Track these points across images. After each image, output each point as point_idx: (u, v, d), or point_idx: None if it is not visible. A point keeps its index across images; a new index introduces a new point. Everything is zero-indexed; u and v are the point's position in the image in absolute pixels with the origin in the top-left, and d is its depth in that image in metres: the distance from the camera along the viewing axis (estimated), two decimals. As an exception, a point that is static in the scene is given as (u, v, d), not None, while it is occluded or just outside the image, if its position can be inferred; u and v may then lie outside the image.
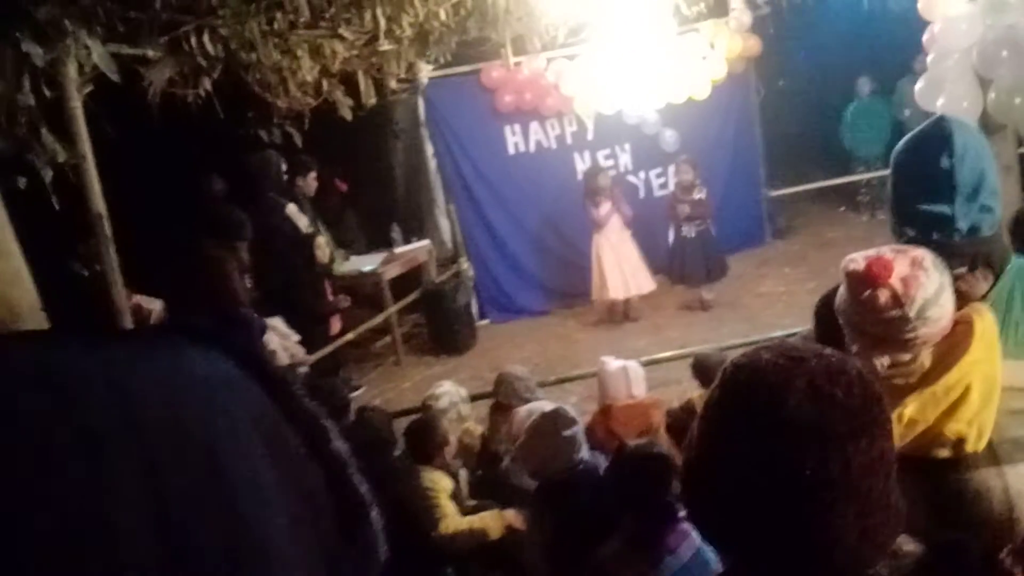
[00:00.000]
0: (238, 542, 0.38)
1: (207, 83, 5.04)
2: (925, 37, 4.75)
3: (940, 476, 1.71)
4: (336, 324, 6.70)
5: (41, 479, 0.34)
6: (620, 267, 7.29)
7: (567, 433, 2.95)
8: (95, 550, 0.34)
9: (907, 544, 1.04)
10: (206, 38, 4.68)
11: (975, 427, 1.65)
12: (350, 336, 6.82)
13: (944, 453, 1.68)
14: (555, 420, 3.01)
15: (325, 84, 6.75)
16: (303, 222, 6.52)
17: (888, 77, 9.69)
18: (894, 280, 1.58)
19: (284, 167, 6.58)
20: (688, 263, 7.32)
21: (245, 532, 0.38)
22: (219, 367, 0.43)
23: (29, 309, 2.87)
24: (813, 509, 0.93)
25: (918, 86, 4.84)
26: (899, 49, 9.15)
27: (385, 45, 6.79)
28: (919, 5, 4.62)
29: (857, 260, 1.64)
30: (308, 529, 0.42)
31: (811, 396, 0.95)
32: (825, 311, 1.95)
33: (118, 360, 0.40)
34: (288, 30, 5.46)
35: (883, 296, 1.59)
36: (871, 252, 1.65)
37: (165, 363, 0.41)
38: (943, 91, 4.55)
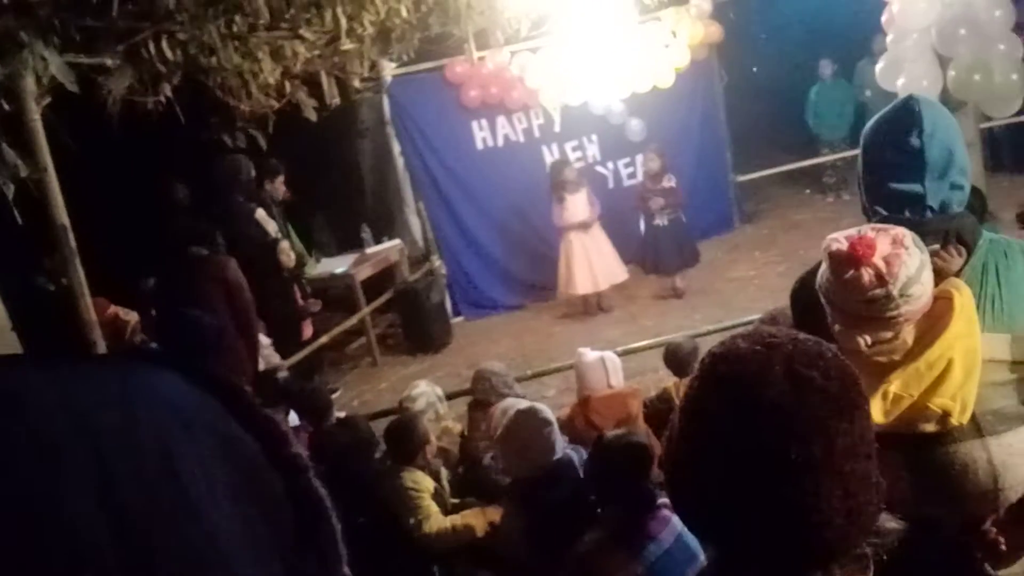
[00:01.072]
0: (194, 545, 0.38)
1: (167, 89, 4.95)
2: (884, 17, 4.81)
3: (926, 450, 1.74)
4: (308, 328, 6.64)
5: None
6: (588, 261, 7.29)
7: (542, 432, 2.95)
8: (54, 552, 0.34)
9: (889, 522, 1.05)
10: (164, 44, 4.59)
11: (959, 400, 1.67)
12: (324, 339, 6.77)
13: (930, 427, 1.71)
14: (529, 419, 3.00)
15: (288, 86, 6.67)
16: (272, 227, 6.44)
17: (848, 59, 9.80)
18: (877, 259, 1.60)
19: (252, 172, 6.50)
20: (661, 252, 7.35)
21: (200, 535, 0.39)
22: (174, 381, 0.44)
23: (-1, 329, 2.81)
24: (799, 493, 0.94)
25: (878, 66, 4.91)
26: (858, 30, 9.27)
27: (347, 44, 6.72)
28: (877, -14, 4.68)
29: (839, 240, 1.65)
30: (265, 534, 0.43)
31: (790, 381, 0.95)
32: (802, 293, 1.96)
33: (71, 375, 0.41)
34: (248, 32, 5.38)
35: (866, 275, 1.60)
36: (852, 232, 1.66)
37: (119, 377, 0.42)
38: (903, 71, 4.62)
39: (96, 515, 0.36)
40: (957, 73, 4.22)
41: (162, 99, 5.00)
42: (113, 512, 0.36)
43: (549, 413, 3.06)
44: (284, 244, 6.31)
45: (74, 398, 0.39)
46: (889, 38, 4.72)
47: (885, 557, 0.98)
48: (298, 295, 6.54)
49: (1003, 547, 1.55)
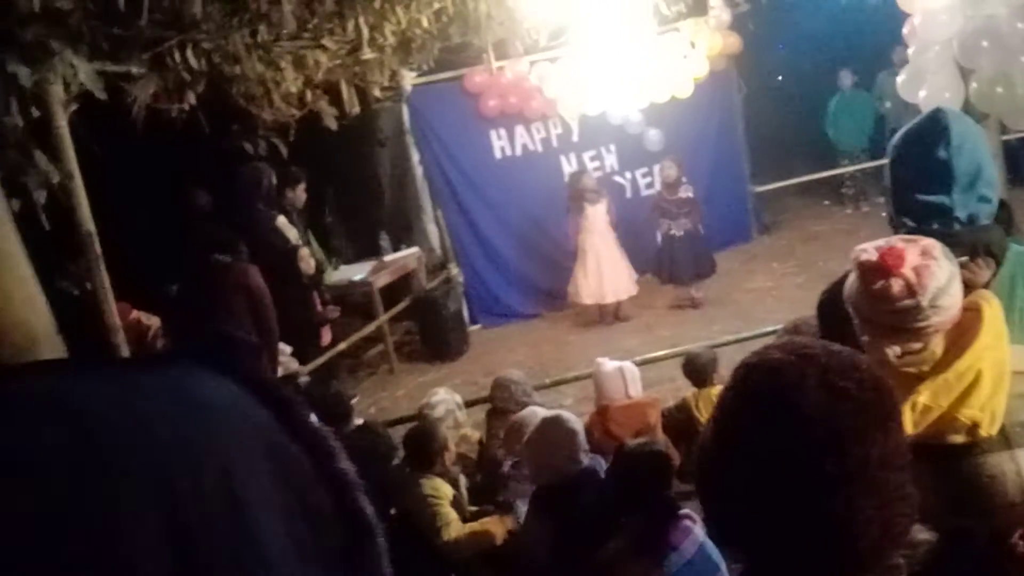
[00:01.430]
0: (249, 563, 0.38)
1: (191, 97, 5.01)
2: (905, 30, 4.80)
3: (955, 462, 1.72)
4: (327, 335, 6.67)
5: (60, 513, 0.34)
6: (600, 272, 7.30)
7: (568, 439, 2.95)
8: None
9: (920, 533, 1.05)
10: (189, 52, 4.65)
11: (988, 412, 1.66)
12: (342, 346, 6.79)
13: (959, 438, 1.70)
14: (556, 426, 3.01)
15: (309, 94, 6.73)
16: (292, 234, 6.49)
17: (867, 70, 9.78)
18: (906, 270, 1.60)
19: (275, 180, 6.55)
20: (677, 262, 7.34)
21: (255, 552, 0.38)
22: (228, 390, 0.43)
23: (45, 333, 2.84)
24: (834, 505, 0.94)
25: (900, 78, 4.89)
26: (878, 41, 9.26)
27: (368, 54, 6.78)
28: (898, -2, 4.67)
29: (868, 251, 1.65)
30: (314, 553, 0.42)
31: (825, 392, 0.95)
32: (830, 304, 1.96)
33: (131, 388, 0.40)
34: (271, 42, 5.43)
35: (896, 286, 1.60)
36: (881, 243, 1.66)
37: (176, 389, 0.41)
38: (925, 83, 4.60)
39: (161, 549, 0.35)
40: (979, 85, 4.20)
41: (186, 107, 5.06)
42: (177, 544, 0.36)
43: (576, 422, 3.08)
44: (304, 251, 6.36)
45: (139, 416, 0.38)
46: (911, 50, 4.71)
47: (917, 568, 0.98)
48: (317, 302, 6.57)
49: None
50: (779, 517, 0.96)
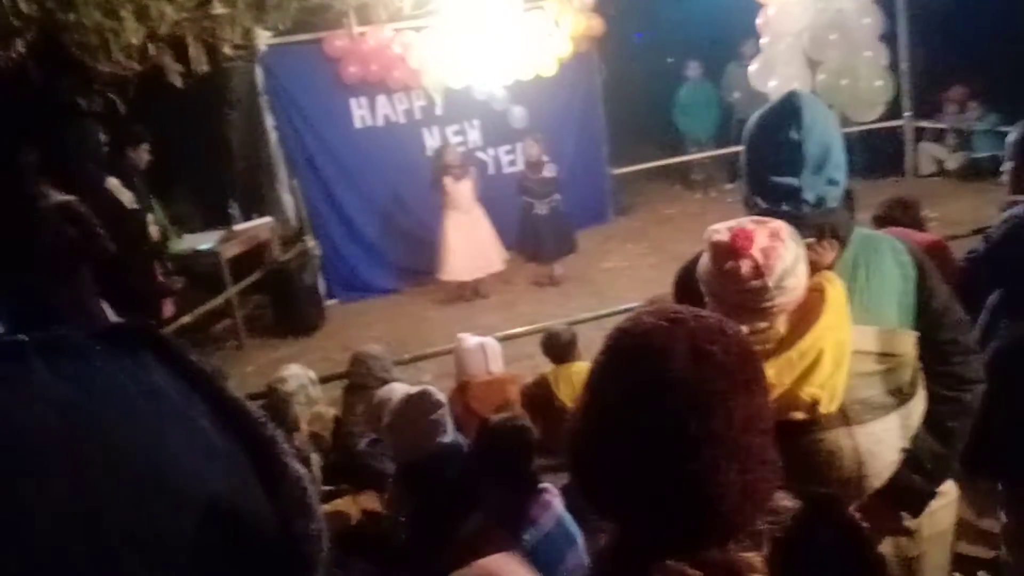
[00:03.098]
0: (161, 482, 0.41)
1: (20, 45, 4.54)
2: (759, 20, 5.01)
3: (795, 438, 1.79)
4: (169, 307, 6.29)
5: None
6: (467, 248, 7.27)
7: (434, 416, 2.90)
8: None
9: (784, 500, 1.07)
10: (18, -5, 4.21)
11: (828, 390, 1.73)
12: (186, 319, 6.42)
13: (800, 415, 1.76)
14: (422, 402, 2.94)
15: (152, 48, 6.28)
16: (127, 197, 6.03)
17: (717, 61, 10.18)
18: (755, 251, 1.63)
19: (104, 138, 6.05)
20: (540, 240, 7.41)
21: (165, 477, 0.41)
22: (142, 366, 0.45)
23: None
24: (698, 466, 0.95)
25: (752, 68, 5.11)
26: (731, 33, 9.65)
27: (218, 8, 6.41)
28: (754, -10, 4.85)
29: (721, 231, 1.67)
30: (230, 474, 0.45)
31: (693, 356, 0.97)
32: (684, 283, 1.99)
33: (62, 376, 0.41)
34: (110, -13, 5.01)
35: (745, 266, 1.63)
36: (733, 223, 1.69)
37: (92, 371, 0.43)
38: (775, 73, 4.82)
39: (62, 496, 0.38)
40: (826, 77, 4.44)
41: (13, 55, 4.59)
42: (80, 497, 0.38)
43: (441, 396, 3.01)
44: (151, 216, 5.94)
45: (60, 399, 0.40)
46: (763, 41, 4.91)
47: (780, 534, 1.00)
48: (158, 271, 6.17)
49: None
50: (645, 479, 0.97)
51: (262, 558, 0.44)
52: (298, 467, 0.49)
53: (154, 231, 6.17)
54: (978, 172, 8.52)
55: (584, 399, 1.06)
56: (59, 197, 4.74)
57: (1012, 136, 2.68)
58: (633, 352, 1.00)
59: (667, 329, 0.99)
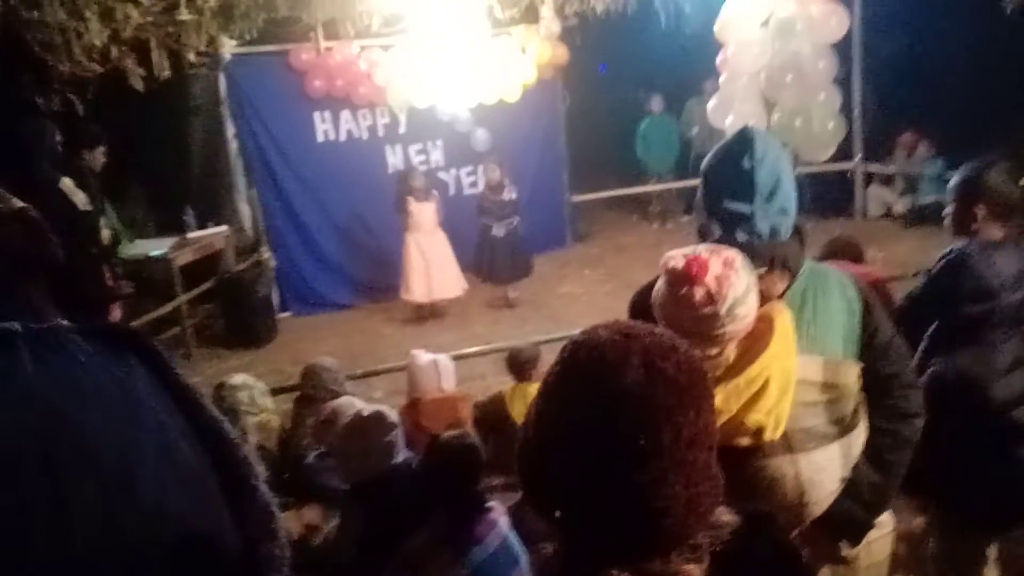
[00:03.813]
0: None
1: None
2: (719, 59, 5.13)
3: (739, 463, 1.83)
4: (116, 312, 6.14)
5: None
6: (427, 270, 7.27)
7: (388, 438, 2.88)
8: None
9: (725, 515, 1.10)
10: (-22, -13, 4.13)
11: (773, 417, 1.78)
12: (134, 325, 6.30)
13: (745, 441, 1.81)
14: (375, 425, 2.92)
15: (114, 51, 6.20)
16: (80, 198, 5.91)
17: (678, 96, 10.39)
18: (709, 279, 1.68)
19: (59, 137, 5.94)
20: (496, 262, 7.44)
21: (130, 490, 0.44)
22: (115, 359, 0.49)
23: None
24: (645, 478, 0.97)
25: (710, 104, 5.23)
26: (691, 70, 9.87)
27: (184, 14, 6.35)
28: (715, 28, 4.98)
29: (676, 258, 1.71)
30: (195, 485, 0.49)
31: (645, 370, 1.00)
32: (639, 308, 2.02)
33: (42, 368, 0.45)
34: (76, -14, 4.95)
35: (699, 293, 1.68)
36: (688, 251, 1.74)
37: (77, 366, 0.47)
38: (732, 110, 4.95)
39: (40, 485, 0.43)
40: (780, 116, 4.57)
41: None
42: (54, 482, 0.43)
43: (395, 416, 3.00)
44: (103, 219, 5.82)
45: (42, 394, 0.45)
46: (722, 78, 5.04)
47: (719, 548, 1.03)
48: (108, 275, 6.04)
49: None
50: (592, 490, 0.99)
51: None
52: (266, 491, 0.49)
53: (105, 234, 6.05)
54: (924, 217, 8.81)
55: (537, 408, 1.08)
56: (14, 203, 4.63)
57: (954, 180, 2.79)
58: (587, 364, 1.02)
59: (622, 343, 1.01)
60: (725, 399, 1.78)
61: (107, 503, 0.40)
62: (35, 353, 0.42)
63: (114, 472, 0.41)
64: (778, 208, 1.90)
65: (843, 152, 7.80)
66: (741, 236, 1.89)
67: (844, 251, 3.63)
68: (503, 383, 4.61)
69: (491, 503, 2.65)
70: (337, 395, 3.83)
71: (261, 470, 0.50)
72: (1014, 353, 2.63)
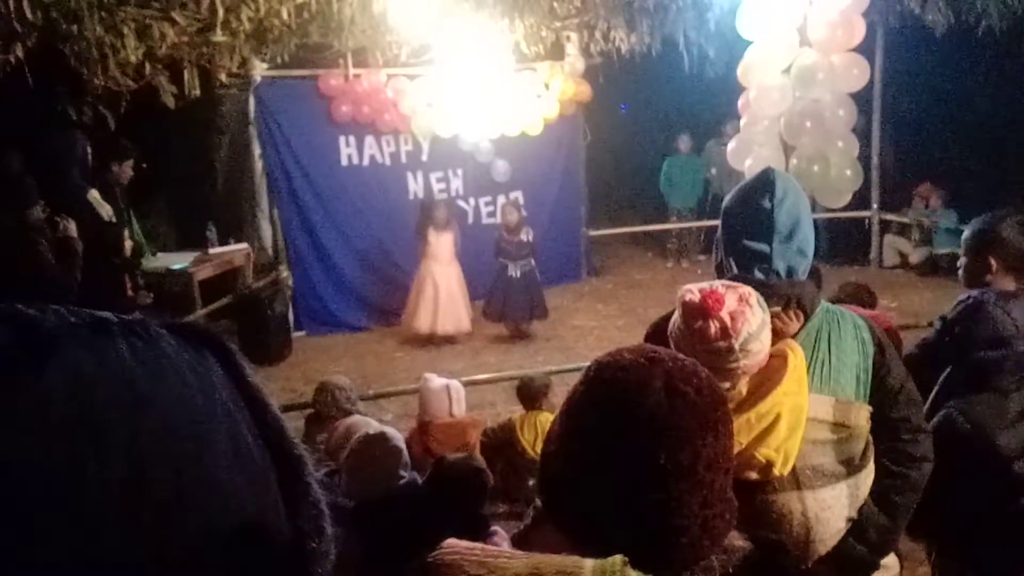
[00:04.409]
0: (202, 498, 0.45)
1: (19, 49, 4.59)
2: (740, 102, 5.21)
3: (748, 497, 1.85)
4: (136, 323, 6.23)
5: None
6: (437, 301, 7.30)
7: (391, 457, 2.92)
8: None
9: (737, 540, 1.13)
10: (25, 2, 4.27)
11: (782, 453, 1.81)
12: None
13: (754, 475, 1.83)
14: (379, 444, 2.96)
15: (148, 68, 6.36)
16: (105, 210, 6.04)
17: (699, 138, 10.50)
18: (724, 313, 1.72)
19: (90, 150, 6.08)
20: (510, 302, 7.45)
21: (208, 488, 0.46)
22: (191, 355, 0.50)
23: None
24: (664, 498, 1.01)
25: (730, 146, 5.30)
26: (712, 113, 9.99)
27: (219, 36, 6.50)
28: (738, 72, 5.07)
29: (693, 292, 1.76)
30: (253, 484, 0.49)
31: (668, 393, 1.04)
32: (655, 339, 2.07)
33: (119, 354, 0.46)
34: (117, 5, 5.09)
35: (713, 327, 1.72)
36: (705, 285, 1.78)
37: (158, 355, 0.48)
38: (751, 153, 5.01)
39: (117, 477, 0.42)
40: (798, 162, 4.63)
41: (11, 59, 4.63)
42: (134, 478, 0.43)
43: (400, 440, 3.03)
44: (126, 231, 5.93)
45: (125, 377, 0.45)
46: (743, 121, 5.11)
47: (731, 572, 1.06)
48: (129, 286, 6.14)
49: None
50: (611, 506, 1.03)
51: (271, 567, 0.49)
52: (318, 490, 0.53)
53: (128, 246, 6.16)
54: (938, 268, 8.84)
55: (560, 423, 1.12)
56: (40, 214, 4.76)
57: (967, 232, 2.83)
58: (612, 384, 1.06)
59: (645, 366, 1.06)
60: (736, 432, 1.80)
61: (180, 479, 0.44)
62: (128, 341, 0.47)
63: (189, 457, 0.45)
64: (796, 248, 1.95)
65: (860, 201, 7.87)
66: (758, 274, 1.94)
67: (856, 296, 3.66)
68: (513, 411, 4.65)
69: (494, 527, 2.67)
70: (349, 414, 3.87)
71: (314, 469, 0.54)
72: (1022, 403, 2.66)
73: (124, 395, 0.43)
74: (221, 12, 6.25)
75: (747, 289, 1.79)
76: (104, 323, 0.46)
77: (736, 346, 1.73)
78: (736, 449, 1.82)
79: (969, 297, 2.69)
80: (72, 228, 4.73)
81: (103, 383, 0.43)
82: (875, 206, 9.41)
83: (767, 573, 1.12)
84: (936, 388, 2.66)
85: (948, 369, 2.66)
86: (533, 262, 7.48)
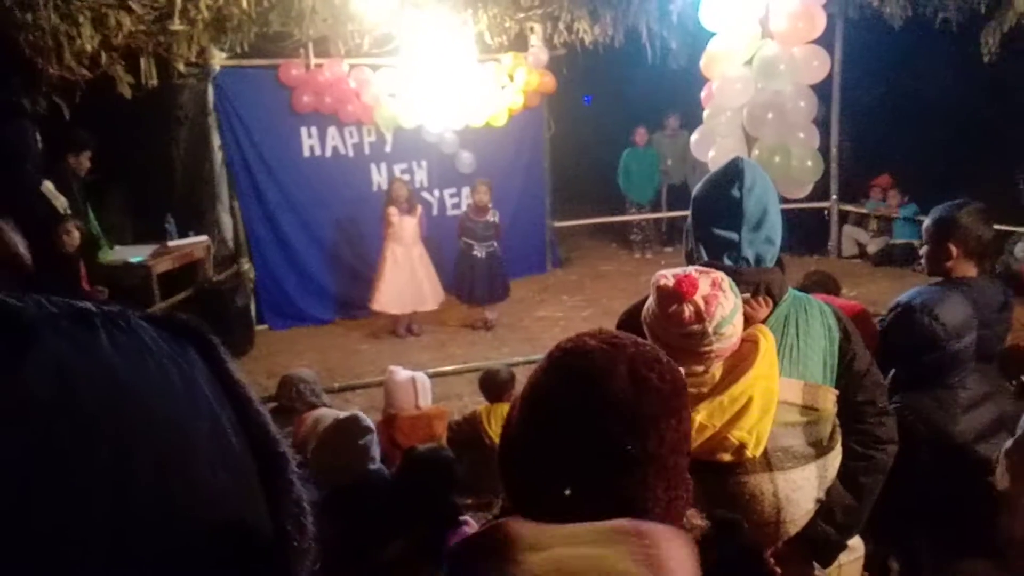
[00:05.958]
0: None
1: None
2: (703, 93, 5.25)
3: (721, 478, 1.88)
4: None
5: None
6: (402, 282, 7.25)
7: (363, 441, 2.90)
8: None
9: (695, 518, 1.14)
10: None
11: (754, 435, 1.83)
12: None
13: (727, 457, 1.86)
14: (350, 428, 2.94)
15: (104, 57, 6.22)
16: (60, 202, 5.90)
17: (655, 129, 10.56)
18: (697, 297, 1.74)
19: (39, 140, 5.93)
20: (475, 283, 7.46)
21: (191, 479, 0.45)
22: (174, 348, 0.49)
23: None
24: (630, 482, 1.02)
25: (693, 137, 5.33)
26: (675, 105, 10.06)
27: (177, 25, 6.39)
28: (701, 63, 5.10)
29: (667, 276, 1.77)
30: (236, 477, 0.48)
31: (632, 379, 1.04)
32: (628, 325, 2.08)
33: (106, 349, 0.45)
34: (72, -9, 4.97)
35: (687, 311, 1.74)
36: (679, 270, 1.80)
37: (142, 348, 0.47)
38: (714, 144, 5.05)
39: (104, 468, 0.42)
40: (760, 152, 4.68)
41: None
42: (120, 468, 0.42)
43: (370, 422, 3.02)
44: (71, 223, 5.77)
45: (108, 372, 0.44)
46: (706, 113, 5.14)
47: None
48: (84, 280, 6.00)
49: None
50: (578, 491, 1.02)
51: (253, 565, 0.48)
52: (301, 488, 0.52)
53: (72, 239, 6.00)
54: (894, 258, 9.03)
55: (521, 412, 1.10)
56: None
57: (927, 221, 2.90)
58: (575, 371, 1.06)
59: (609, 352, 1.06)
60: (709, 415, 1.84)
61: (163, 472, 0.43)
62: (109, 332, 0.45)
63: (172, 451, 0.44)
64: (764, 237, 1.98)
65: (819, 192, 7.99)
66: (728, 262, 1.96)
67: (822, 284, 3.72)
68: (479, 403, 4.64)
69: (465, 517, 2.67)
70: (314, 407, 3.83)
71: (297, 467, 0.53)
72: (974, 390, 2.75)
73: (106, 386, 0.42)
74: (179, 1, 6.14)
75: (720, 274, 1.81)
76: (85, 313, 0.45)
77: (710, 329, 1.75)
78: (710, 431, 1.85)
79: (898, 304, 2.79)
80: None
81: (85, 374, 0.42)
82: (834, 197, 9.58)
83: (723, 549, 1.13)
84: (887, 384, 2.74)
85: (892, 371, 2.76)
86: (497, 244, 7.46)
